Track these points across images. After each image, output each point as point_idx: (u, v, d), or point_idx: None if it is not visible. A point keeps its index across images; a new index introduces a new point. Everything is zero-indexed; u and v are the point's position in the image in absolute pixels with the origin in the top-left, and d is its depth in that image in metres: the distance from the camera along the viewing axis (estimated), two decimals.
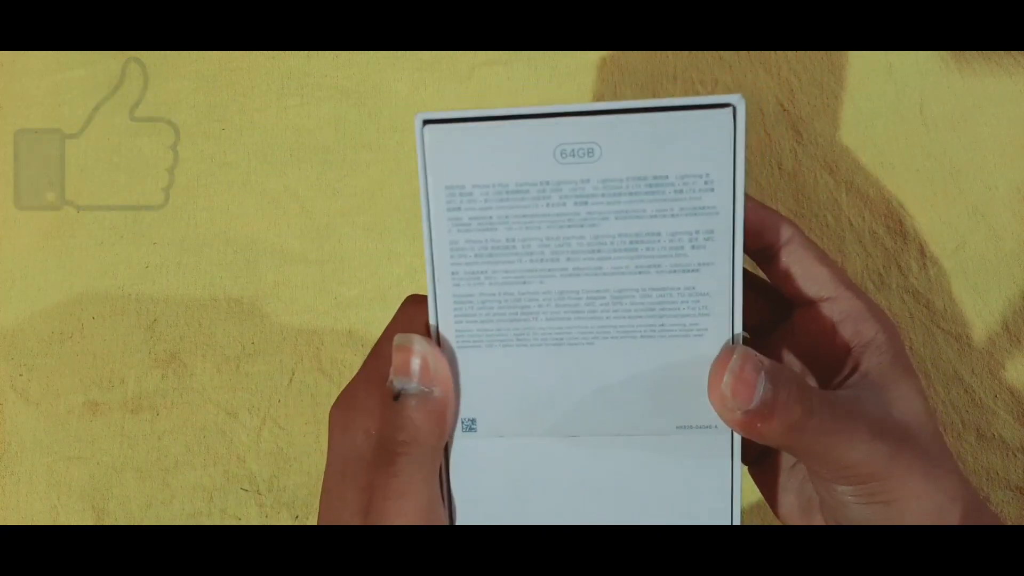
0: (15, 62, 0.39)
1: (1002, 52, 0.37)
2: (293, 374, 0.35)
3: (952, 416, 0.34)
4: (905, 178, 0.36)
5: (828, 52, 0.37)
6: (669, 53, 0.37)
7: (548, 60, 0.37)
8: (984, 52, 0.37)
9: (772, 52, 0.38)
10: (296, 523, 0.35)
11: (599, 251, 0.22)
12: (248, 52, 0.39)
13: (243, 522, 0.34)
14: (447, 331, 0.23)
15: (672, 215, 0.22)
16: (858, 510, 0.23)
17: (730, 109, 0.21)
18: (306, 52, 0.39)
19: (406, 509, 0.22)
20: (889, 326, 0.25)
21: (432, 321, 0.23)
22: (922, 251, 0.35)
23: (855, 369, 0.24)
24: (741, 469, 0.23)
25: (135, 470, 0.35)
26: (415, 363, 0.23)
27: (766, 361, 0.22)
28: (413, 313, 0.24)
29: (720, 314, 0.22)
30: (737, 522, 0.23)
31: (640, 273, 0.22)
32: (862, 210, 0.36)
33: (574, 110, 0.22)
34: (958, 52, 0.37)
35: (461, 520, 0.24)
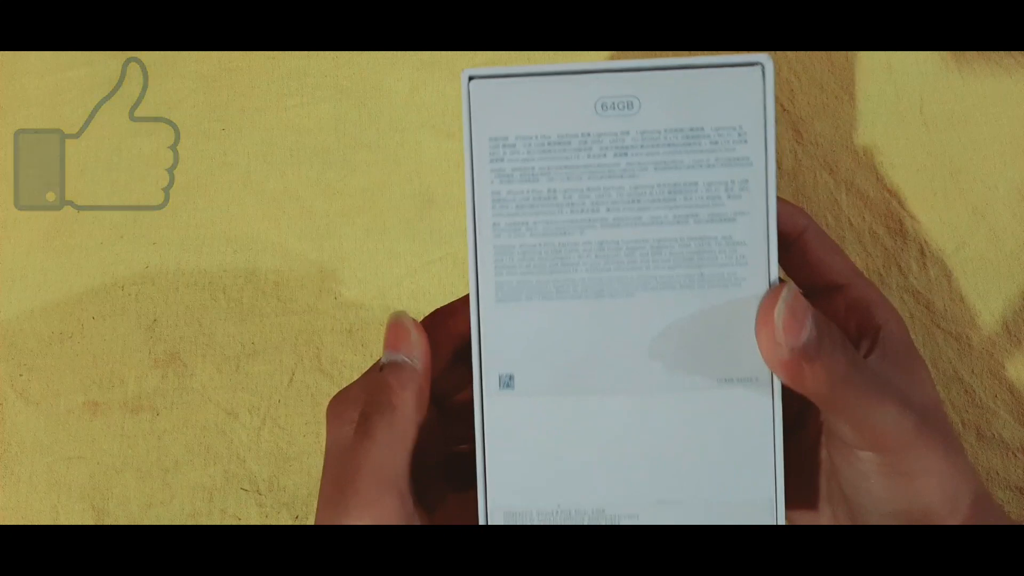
0: (15, 62, 0.39)
1: (1002, 52, 0.37)
2: (293, 374, 0.35)
3: (952, 416, 0.34)
4: (905, 178, 0.36)
5: (828, 52, 0.37)
6: (669, 53, 0.37)
7: (548, 60, 0.37)
8: (984, 52, 0.37)
9: (772, 52, 0.38)
10: (296, 523, 0.35)
11: (638, 201, 0.23)
12: (248, 52, 0.39)
13: (243, 522, 0.34)
14: (487, 285, 0.24)
15: (708, 165, 0.23)
16: (877, 482, 0.23)
17: (759, 67, 0.22)
18: (306, 52, 0.39)
19: (369, 474, 0.23)
20: (898, 315, 0.25)
21: (472, 275, 0.24)
22: (922, 251, 0.35)
23: (871, 351, 0.24)
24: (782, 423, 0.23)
25: (135, 470, 0.35)
26: (399, 335, 0.24)
27: (811, 306, 0.22)
28: (430, 327, 0.25)
29: (757, 263, 0.23)
30: (780, 476, 0.23)
31: (678, 223, 0.23)
32: (862, 210, 0.36)
33: (614, 67, 0.23)
34: (958, 52, 0.37)
35: (494, 478, 0.24)
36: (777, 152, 0.37)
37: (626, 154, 0.23)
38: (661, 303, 0.23)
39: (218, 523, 0.34)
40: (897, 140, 0.36)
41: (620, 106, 0.23)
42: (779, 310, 0.21)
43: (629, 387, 0.23)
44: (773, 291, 0.22)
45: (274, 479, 0.35)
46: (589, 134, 0.23)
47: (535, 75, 0.23)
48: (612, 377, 0.23)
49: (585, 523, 0.23)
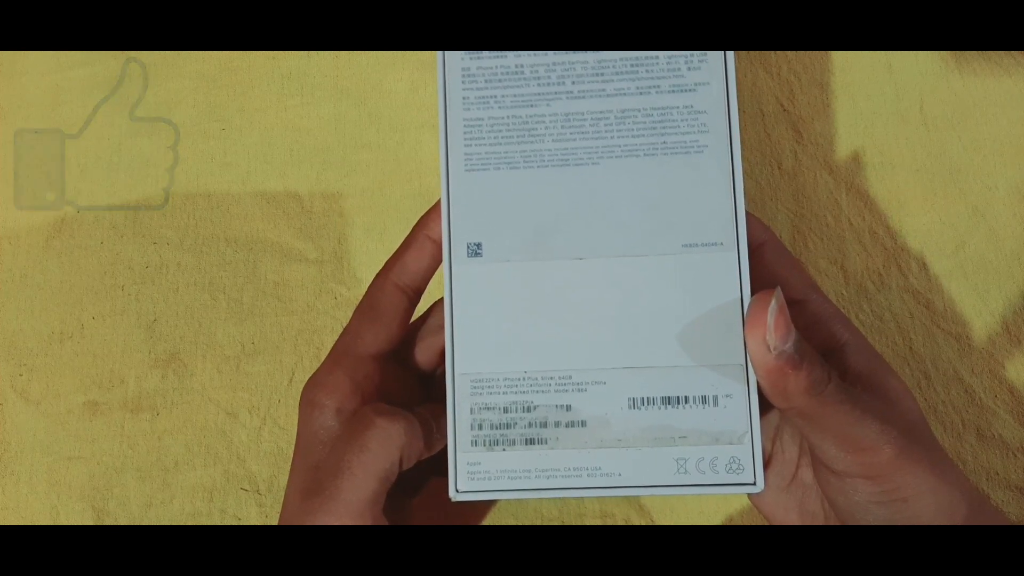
0: (15, 62, 0.39)
1: (1002, 52, 0.37)
2: (293, 374, 0.35)
3: (952, 416, 0.34)
4: (905, 178, 0.36)
5: (828, 52, 0.37)
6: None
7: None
8: (984, 52, 0.37)
9: (772, 52, 0.38)
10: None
11: (602, 74, 0.24)
12: (248, 52, 0.39)
13: (243, 522, 0.34)
14: (456, 155, 0.24)
15: None
16: (876, 512, 0.23)
17: None
18: (306, 52, 0.39)
19: (354, 489, 0.23)
20: (859, 331, 0.25)
21: (442, 147, 0.24)
22: (922, 251, 0.35)
23: (844, 370, 0.24)
24: (749, 283, 0.23)
25: (135, 470, 0.35)
26: None
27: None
28: (379, 292, 0.25)
29: (718, 131, 0.24)
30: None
31: (641, 94, 0.24)
32: (862, 210, 0.36)
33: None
34: (958, 52, 0.37)
35: (461, 345, 0.24)
36: (777, 152, 0.37)
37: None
38: (626, 170, 0.24)
39: (218, 523, 0.34)
40: (897, 140, 0.36)
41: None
42: (772, 309, 0.21)
43: (595, 253, 0.23)
44: (764, 292, 0.22)
45: (274, 479, 0.35)
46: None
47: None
48: (578, 243, 0.24)
49: (552, 390, 0.23)
